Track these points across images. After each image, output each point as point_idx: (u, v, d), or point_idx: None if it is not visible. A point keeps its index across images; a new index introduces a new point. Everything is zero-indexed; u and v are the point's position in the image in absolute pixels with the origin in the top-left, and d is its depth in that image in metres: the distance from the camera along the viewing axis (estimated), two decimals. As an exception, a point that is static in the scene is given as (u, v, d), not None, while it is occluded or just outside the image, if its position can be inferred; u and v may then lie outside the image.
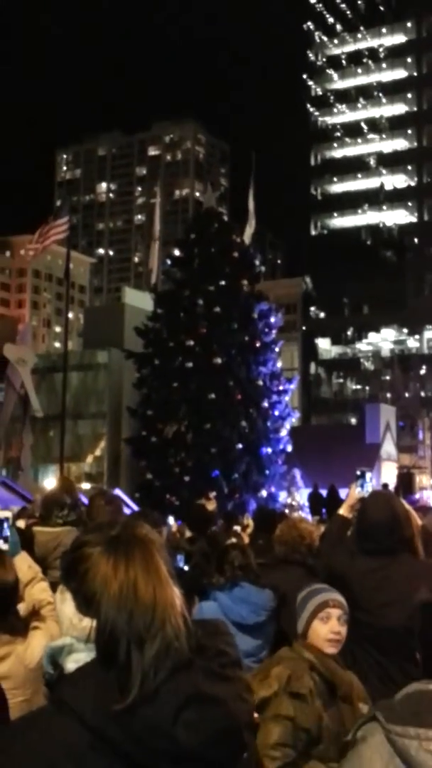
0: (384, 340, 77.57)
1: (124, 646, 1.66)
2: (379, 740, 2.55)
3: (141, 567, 1.72)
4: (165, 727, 1.61)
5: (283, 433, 28.40)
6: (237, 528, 9.65)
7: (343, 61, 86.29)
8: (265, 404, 27.44)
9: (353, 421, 51.35)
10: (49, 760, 1.60)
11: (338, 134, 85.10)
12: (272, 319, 28.88)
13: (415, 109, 79.99)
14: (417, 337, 75.05)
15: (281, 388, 28.69)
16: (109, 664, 1.68)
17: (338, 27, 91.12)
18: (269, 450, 27.35)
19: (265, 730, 3.40)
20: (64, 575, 1.85)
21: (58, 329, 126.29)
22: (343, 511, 5.15)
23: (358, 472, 5.30)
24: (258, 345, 27.73)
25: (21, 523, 6.19)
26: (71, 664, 1.78)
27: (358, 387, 76.04)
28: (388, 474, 31.53)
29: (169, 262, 30.86)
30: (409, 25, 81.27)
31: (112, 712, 1.61)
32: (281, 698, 3.46)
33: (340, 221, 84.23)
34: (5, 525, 4.08)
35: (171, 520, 13.49)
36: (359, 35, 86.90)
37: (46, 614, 3.73)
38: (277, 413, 28.04)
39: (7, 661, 3.32)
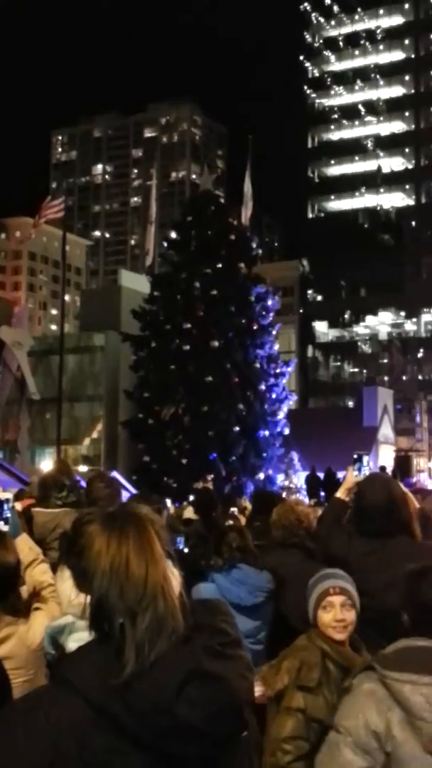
0: (381, 323, 77.52)
1: (117, 619, 1.67)
2: (373, 686, 2.70)
3: (134, 542, 1.74)
4: (167, 704, 1.62)
5: (281, 416, 28.47)
6: (234, 510, 9.66)
7: (341, 43, 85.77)
8: (263, 387, 27.49)
9: (350, 404, 51.38)
10: (53, 738, 1.61)
11: (335, 116, 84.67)
12: (269, 302, 28.90)
13: (413, 91, 79.58)
14: (414, 320, 75.01)
15: (278, 371, 28.75)
16: (104, 638, 1.69)
17: (335, 8, 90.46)
18: (266, 433, 27.43)
19: (277, 724, 3.43)
20: (64, 552, 1.86)
21: (54, 312, 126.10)
22: (340, 494, 5.16)
23: (355, 456, 5.31)
24: (255, 328, 27.76)
25: (18, 506, 6.19)
26: (73, 643, 1.79)
27: (356, 370, 76.07)
28: (386, 457, 31.63)
29: (165, 244, 30.82)
30: (406, 6, 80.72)
31: (112, 686, 1.62)
32: (291, 691, 3.49)
33: (337, 204, 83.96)
34: (5, 506, 4.08)
35: (169, 502, 13.51)
36: (356, 17, 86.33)
37: (47, 595, 3.74)
38: (274, 396, 28.10)
39: (9, 641, 3.33)
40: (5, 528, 3.98)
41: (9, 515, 4.06)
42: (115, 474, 17.04)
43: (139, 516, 1.80)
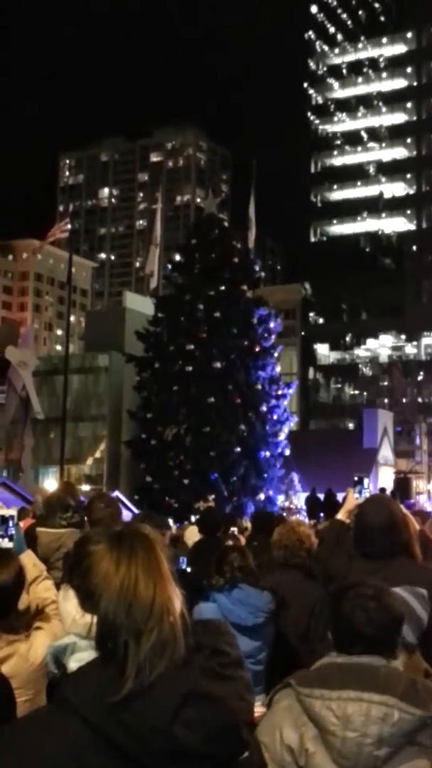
0: (382, 346, 77.62)
1: (122, 638, 1.66)
2: (290, 702, 2.74)
3: (143, 563, 1.73)
4: (163, 725, 1.61)
5: (282, 437, 28.47)
6: (234, 530, 9.65)
7: (344, 71, 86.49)
8: (264, 408, 27.51)
9: (351, 426, 51.42)
10: (53, 759, 1.60)
11: (338, 142, 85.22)
12: (271, 325, 28.97)
13: (415, 118, 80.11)
14: (415, 343, 75.12)
15: (280, 392, 28.77)
16: (108, 658, 1.68)
17: (339, 36, 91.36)
18: (267, 454, 27.42)
19: None
20: (68, 572, 1.86)
21: (59, 332, 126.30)
22: (341, 515, 5.17)
23: (356, 478, 5.33)
24: (257, 350, 27.81)
25: (21, 524, 6.20)
26: (74, 663, 1.78)
27: (356, 392, 76.07)
28: (385, 479, 31.54)
29: (170, 267, 30.94)
30: (409, 35, 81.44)
31: (109, 705, 1.61)
32: None
33: (339, 228, 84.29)
34: (10, 523, 4.09)
35: (171, 522, 13.50)
36: (360, 45, 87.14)
37: (50, 612, 3.73)
38: (275, 417, 28.11)
39: (10, 661, 3.31)
40: (9, 545, 3.99)
41: (13, 532, 4.06)
42: (117, 493, 17.04)
43: (147, 536, 1.80)
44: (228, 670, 1.77)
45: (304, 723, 2.69)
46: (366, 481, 5.42)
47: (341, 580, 4.32)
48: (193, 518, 13.03)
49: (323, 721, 2.64)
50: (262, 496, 26.73)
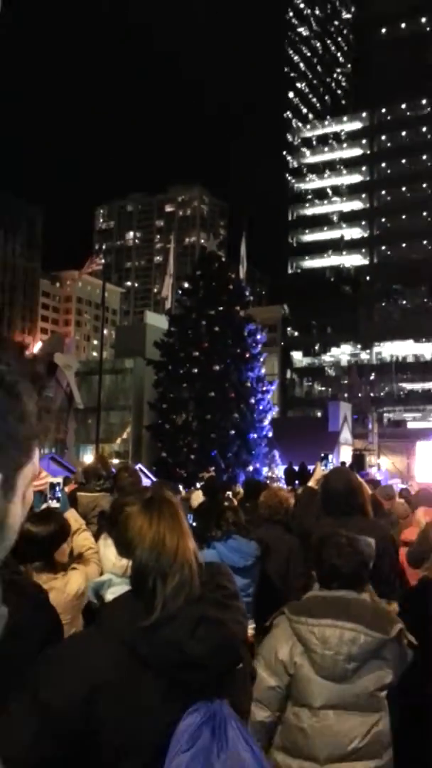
0: (342, 353, 77.49)
1: (152, 579, 1.68)
2: (284, 627, 2.86)
3: (169, 522, 1.75)
4: (181, 641, 1.63)
5: (266, 422, 28.39)
6: (229, 494, 9.62)
7: (314, 141, 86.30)
8: (252, 401, 27.44)
9: (319, 414, 51.23)
10: (92, 667, 1.61)
11: (309, 197, 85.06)
12: (258, 336, 28.88)
13: (368, 178, 79.94)
14: (368, 351, 75.02)
15: (265, 389, 28.69)
16: (140, 592, 1.70)
17: (310, 115, 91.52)
18: (255, 435, 27.35)
19: None
20: (108, 526, 1.86)
21: (95, 342, 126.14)
22: (311, 483, 5.17)
23: (322, 455, 5.32)
24: (247, 356, 27.73)
25: (66, 489, 6.19)
26: (110, 595, 1.79)
27: (323, 389, 75.98)
28: (345, 455, 31.45)
29: (180, 292, 30.84)
30: (364, 114, 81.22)
31: (140, 628, 1.63)
32: None
33: (310, 263, 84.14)
34: (57, 488, 4.08)
35: (180, 487, 13.47)
36: (326, 122, 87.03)
37: (87, 556, 3.73)
38: (261, 408, 28.04)
39: (51, 592, 3.33)
40: (56, 505, 3.98)
41: (60, 495, 4.06)
42: (139, 466, 17.03)
43: (171, 501, 1.81)
44: (228, 600, 1.77)
45: (294, 643, 2.77)
46: (330, 456, 5.41)
47: (315, 533, 4.35)
48: (197, 485, 13.04)
49: (307, 642, 2.72)
50: (250, 468, 26.64)
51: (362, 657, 2.66)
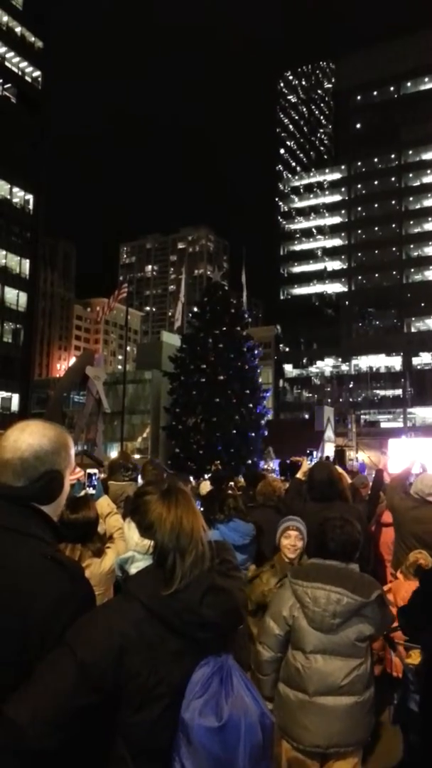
0: (326, 365, 77.34)
1: (172, 556, 1.69)
2: (287, 588, 2.96)
3: (184, 508, 1.76)
4: (195, 606, 1.64)
5: (263, 424, 28.35)
6: (232, 484, 9.56)
7: (301, 189, 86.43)
8: (251, 405, 27.41)
9: (307, 416, 51.17)
10: (121, 628, 1.62)
11: (297, 235, 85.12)
12: (255, 352, 28.87)
13: (347, 220, 79.96)
14: (347, 364, 74.88)
15: (261, 395, 28.66)
16: (161, 566, 1.71)
17: (298, 168, 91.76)
18: (253, 434, 27.30)
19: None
20: (132, 511, 1.87)
21: (120, 357, 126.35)
22: (299, 474, 5.18)
23: (308, 451, 5.34)
24: (247, 368, 27.72)
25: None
26: (134, 569, 1.79)
27: (310, 395, 75.80)
28: (329, 450, 31.39)
29: (190, 315, 30.89)
30: (343, 167, 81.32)
31: (162, 595, 1.64)
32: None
33: (298, 290, 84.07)
34: (94, 477, 4.08)
35: (191, 478, 13.46)
36: (311, 173, 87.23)
37: (117, 536, 3.74)
38: (258, 411, 28.00)
39: (89, 569, 3.35)
40: (93, 491, 3.97)
41: (96, 483, 4.06)
42: (157, 460, 16.99)
43: (185, 491, 1.82)
44: (232, 572, 1.80)
45: (293, 601, 2.89)
46: (314, 452, 5.42)
47: (300, 515, 4.35)
48: (206, 476, 13.02)
49: (302, 599, 2.85)
50: (250, 462, 26.59)
51: (345, 614, 2.77)
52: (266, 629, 2.97)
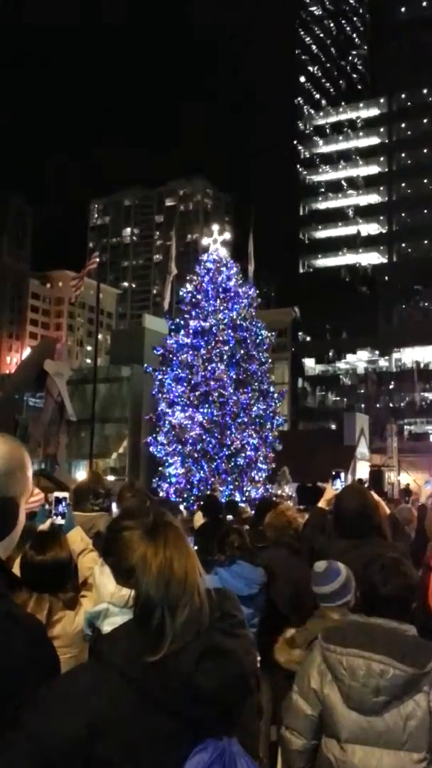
0: (359, 360, 77.48)
1: (159, 612, 1.68)
2: (317, 654, 2.92)
3: (175, 548, 1.75)
4: (187, 674, 1.64)
5: (275, 435, 28.26)
6: (230, 517, 9.42)
7: (327, 130, 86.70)
8: (259, 412, 27.30)
9: (333, 427, 51.19)
10: (91, 703, 1.61)
11: (322, 190, 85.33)
12: (266, 342, 28.76)
13: (386, 169, 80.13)
14: (386, 358, 74.97)
15: (274, 399, 28.55)
16: (143, 624, 1.69)
17: (323, 102, 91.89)
18: (262, 450, 27.20)
19: None
20: (105, 552, 1.87)
21: (89, 348, 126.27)
22: (321, 503, 5.18)
23: (334, 473, 5.34)
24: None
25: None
26: (107, 626, 1.80)
27: (338, 399, 75.89)
28: (362, 471, 31.43)
29: (181, 293, 30.75)
30: (382, 100, 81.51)
31: (147, 662, 1.63)
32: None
33: (323, 261, 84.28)
34: (62, 504, 4.03)
35: (182, 507, 13.45)
36: (340, 108, 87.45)
37: (92, 582, 3.75)
38: (268, 420, 27.88)
39: (60, 624, 3.34)
40: (61, 522, 3.95)
41: (65, 511, 4.02)
42: (137, 484, 16.97)
43: (175, 526, 1.81)
44: (236, 629, 1.80)
45: (325, 671, 2.84)
46: (342, 475, 5.43)
47: (323, 555, 4.36)
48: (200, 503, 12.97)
49: (335, 670, 2.79)
50: (258, 486, 26.52)
51: (392, 691, 2.66)
52: (293, 708, 2.92)
